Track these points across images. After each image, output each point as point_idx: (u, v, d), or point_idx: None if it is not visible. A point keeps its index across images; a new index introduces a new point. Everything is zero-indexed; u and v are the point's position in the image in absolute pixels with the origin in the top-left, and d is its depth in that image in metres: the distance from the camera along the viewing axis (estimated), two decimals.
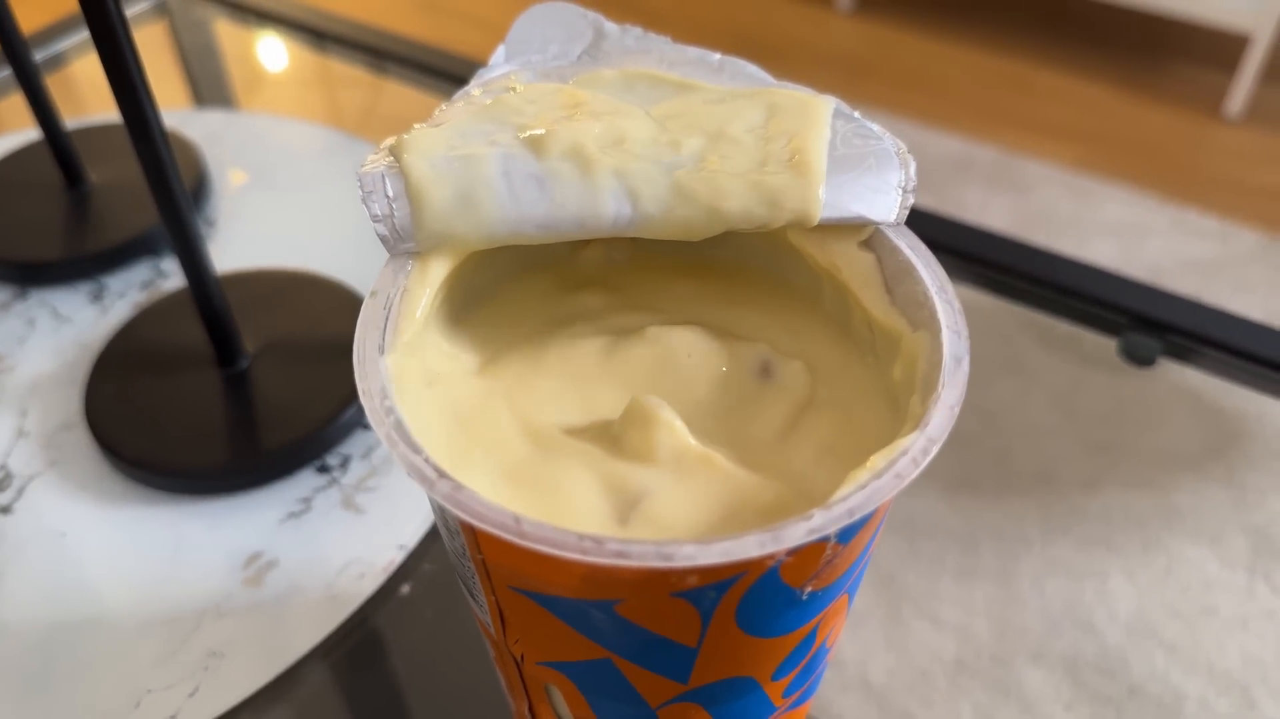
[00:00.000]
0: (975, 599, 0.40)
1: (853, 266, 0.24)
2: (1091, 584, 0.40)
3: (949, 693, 0.36)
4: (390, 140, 0.23)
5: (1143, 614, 0.39)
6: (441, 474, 0.19)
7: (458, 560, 0.22)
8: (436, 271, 0.23)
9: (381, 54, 0.68)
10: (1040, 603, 0.40)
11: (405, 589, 0.37)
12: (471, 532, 0.20)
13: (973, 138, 1.66)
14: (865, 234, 0.24)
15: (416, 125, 0.24)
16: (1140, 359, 0.46)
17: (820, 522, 0.18)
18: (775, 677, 0.23)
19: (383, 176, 0.22)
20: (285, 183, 0.56)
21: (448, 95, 0.67)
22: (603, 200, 0.23)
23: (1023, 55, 1.88)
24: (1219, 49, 1.85)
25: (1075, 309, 0.48)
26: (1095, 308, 0.48)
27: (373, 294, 0.22)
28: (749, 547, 0.18)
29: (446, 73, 0.65)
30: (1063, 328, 0.49)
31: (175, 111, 0.64)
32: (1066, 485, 0.46)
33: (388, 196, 0.22)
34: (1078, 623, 0.39)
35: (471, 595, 0.23)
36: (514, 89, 0.25)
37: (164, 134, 0.35)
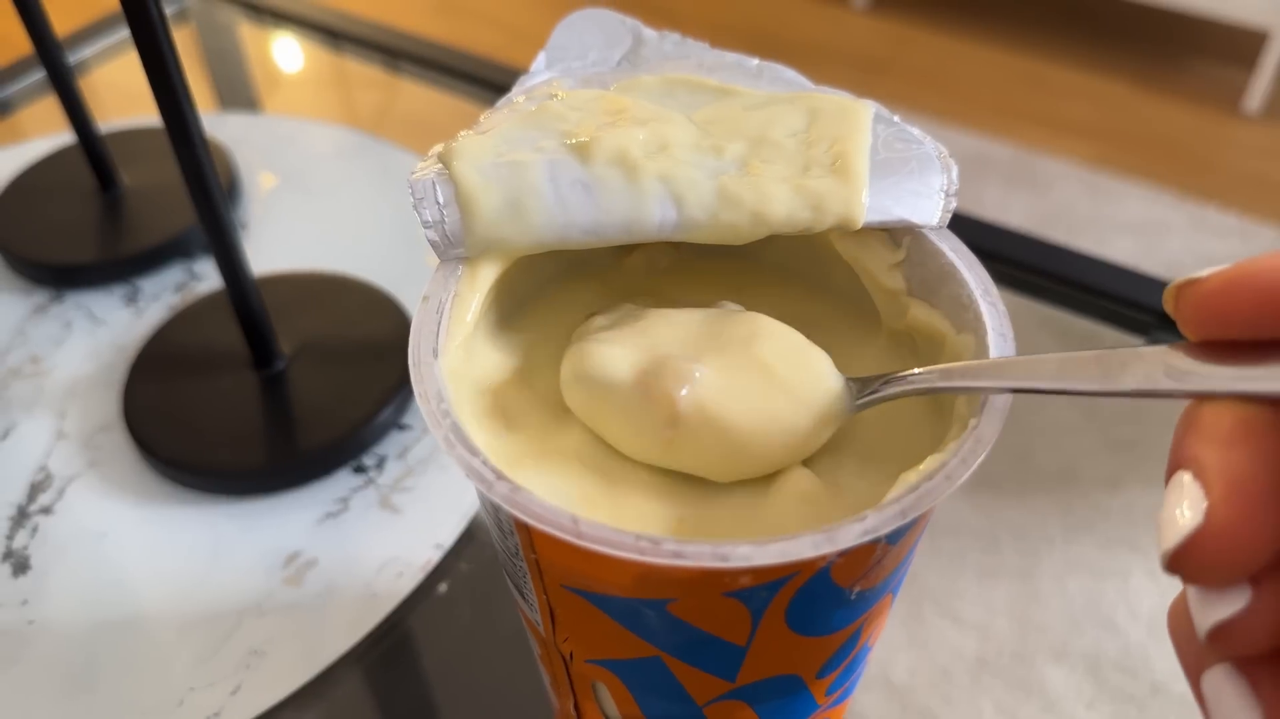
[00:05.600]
0: (996, 597, 0.40)
1: (895, 270, 0.25)
2: (1113, 583, 0.40)
3: (970, 691, 0.37)
4: (439, 147, 0.24)
5: (1165, 613, 0.39)
6: (499, 475, 0.19)
7: (508, 560, 0.23)
8: (485, 276, 0.23)
9: (397, 54, 0.69)
10: (1062, 601, 0.40)
11: (443, 588, 0.37)
12: (527, 531, 0.20)
13: (990, 135, 1.66)
14: (906, 237, 0.24)
15: (463, 132, 0.24)
16: None
17: (873, 523, 0.18)
18: (820, 675, 0.23)
19: (433, 184, 0.23)
20: (315, 185, 0.57)
21: (464, 96, 0.67)
22: (648, 205, 0.23)
23: (1039, 52, 1.88)
24: (1237, 45, 1.84)
25: (1101, 308, 0.48)
26: (1123, 307, 0.48)
27: (425, 299, 0.23)
28: (804, 547, 0.18)
29: (462, 73, 0.66)
30: (1082, 325, 0.49)
31: (201, 115, 0.64)
32: (1088, 484, 0.46)
33: (438, 203, 0.23)
34: (1100, 621, 0.39)
35: (521, 594, 0.24)
36: (556, 95, 0.26)
37: (203, 138, 0.36)
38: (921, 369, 0.21)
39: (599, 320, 0.25)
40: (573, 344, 0.24)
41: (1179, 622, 0.17)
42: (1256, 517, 0.14)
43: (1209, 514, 0.14)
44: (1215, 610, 0.15)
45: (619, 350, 0.23)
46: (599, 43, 0.28)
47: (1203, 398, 0.16)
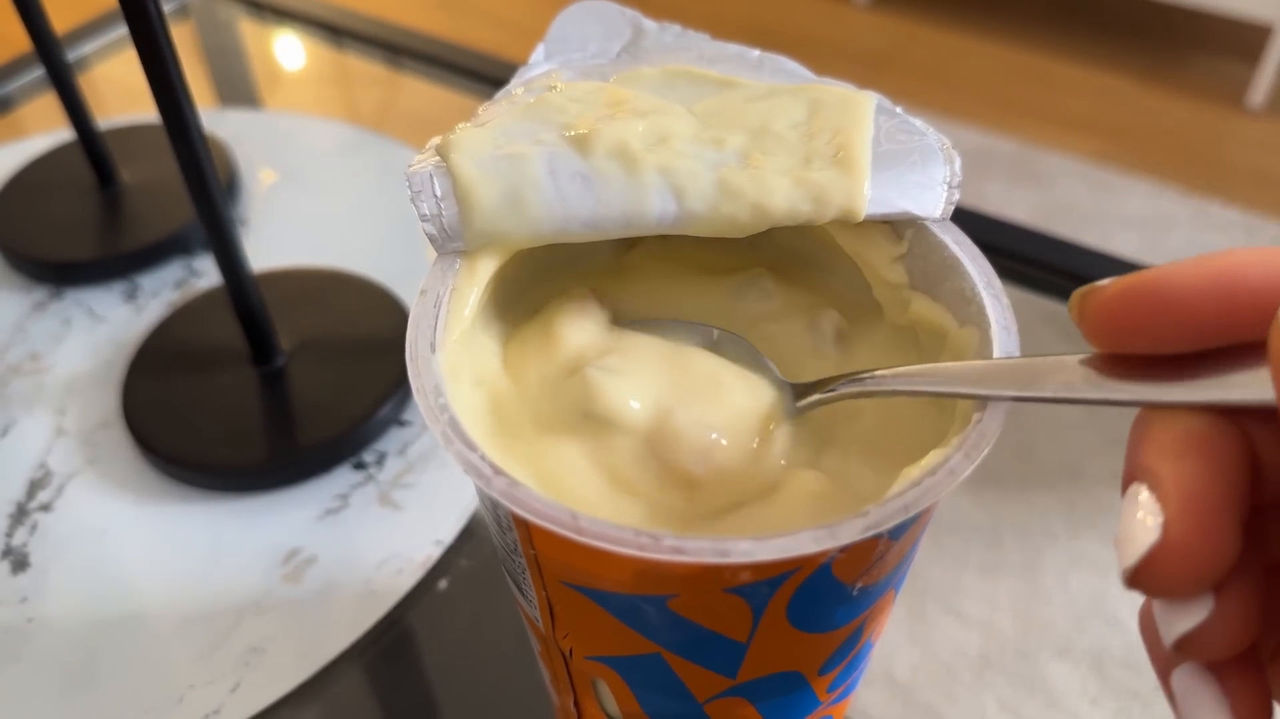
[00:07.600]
0: (999, 594, 0.39)
1: (897, 263, 0.24)
2: (1116, 578, 0.40)
3: (974, 687, 0.36)
4: (436, 140, 0.24)
5: None
6: (497, 471, 0.19)
7: (507, 556, 0.23)
8: (484, 270, 0.23)
9: (398, 50, 0.69)
10: (1065, 597, 0.39)
11: (443, 584, 0.37)
12: (525, 527, 0.20)
13: (992, 131, 1.65)
14: (908, 230, 0.24)
15: (461, 125, 0.24)
16: None
17: (876, 518, 0.18)
18: (822, 671, 0.23)
19: (431, 176, 0.23)
20: (315, 181, 0.57)
21: (465, 92, 0.67)
22: (648, 198, 0.23)
23: (1041, 47, 1.87)
24: (1240, 40, 1.84)
25: None
26: None
27: (422, 293, 0.22)
28: (805, 543, 0.18)
29: (464, 69, 0.66)
30: None
31: (201, 111, 0.64)
32: (1091, 479, 0.46)
33: (436, 196, 0.23)
34: (1103, 617, 0.39)
35: (520, 591, 0.23)
36: (556, 88, 0.25)
37: (202, 135, 0.36)
38: (852, 374, 0.22)
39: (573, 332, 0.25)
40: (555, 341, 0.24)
41: (1148, 623, 0.17)
42: (1213, 530, 0.14)
43: (1166, 529, 0.14)
44: (1180, 622, 0.15)
45: (627, 386, 0.23)
46: (598, 34, 0.28)
47: (1132, 406, 0.16)
